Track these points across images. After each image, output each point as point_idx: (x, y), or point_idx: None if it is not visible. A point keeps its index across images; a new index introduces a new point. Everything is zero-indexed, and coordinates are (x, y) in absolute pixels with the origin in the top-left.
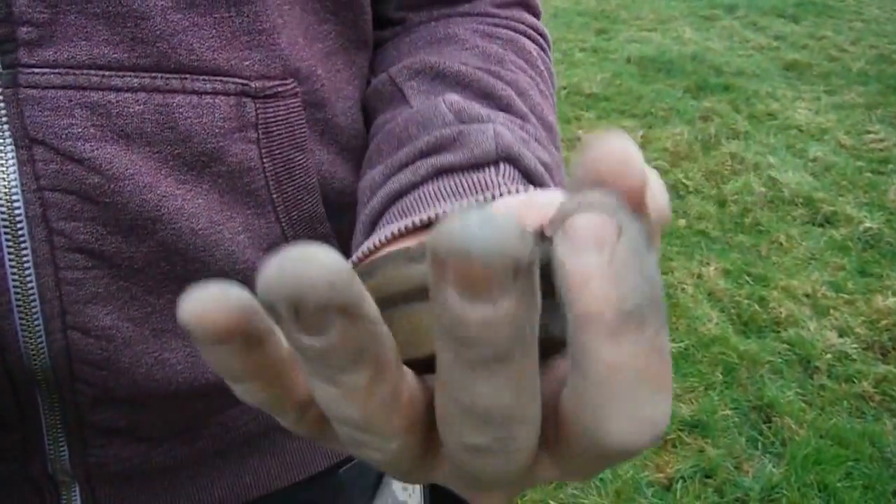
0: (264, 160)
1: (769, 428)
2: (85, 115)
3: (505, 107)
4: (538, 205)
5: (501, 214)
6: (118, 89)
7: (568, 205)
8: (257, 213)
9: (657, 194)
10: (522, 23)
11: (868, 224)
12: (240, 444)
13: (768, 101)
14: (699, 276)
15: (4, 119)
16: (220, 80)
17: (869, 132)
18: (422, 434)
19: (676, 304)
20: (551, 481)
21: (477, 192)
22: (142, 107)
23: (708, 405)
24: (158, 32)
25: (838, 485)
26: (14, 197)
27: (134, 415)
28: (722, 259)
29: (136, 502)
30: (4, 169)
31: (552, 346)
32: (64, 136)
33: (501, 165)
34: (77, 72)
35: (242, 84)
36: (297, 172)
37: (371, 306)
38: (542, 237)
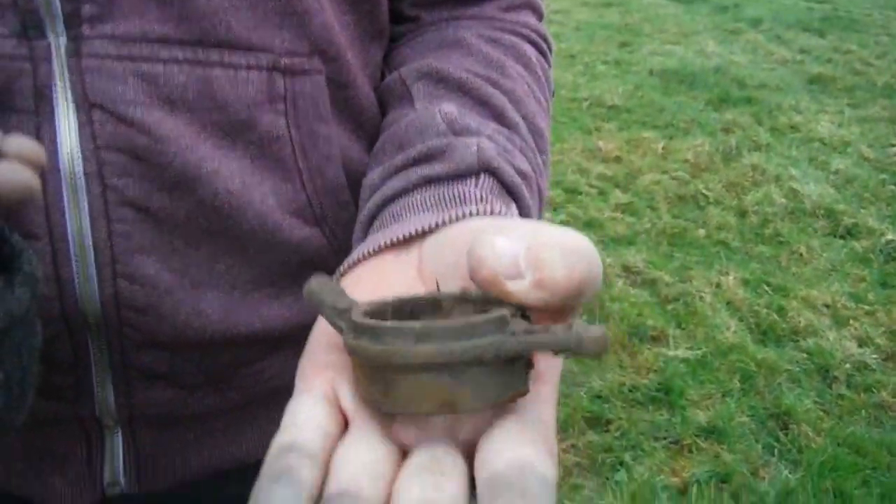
0: (291, 130)
1: (786, 435)
2: (136, 83)
3: (498, 116)
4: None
5: None
6: (165, 61)
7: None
8: (285, 178)
9: (550, 269)
10: (526, 27)
11: (890, 236)
12: (266, 396)
13: (791, 114)
14: (718, 286)
15: (68, 85)
16: (254, 56)
17: (893, 145)
18: None
19: (694, 312)
20: None
21: (456, 204)
22: (185, 77)
23: (724, 412)
24: (202, 11)
25: (855, 492)
26: (75, 155)
27: (173, 360)
28: (741, 269)
29: (172, 451)
30: (68, 130)
31: None
32: (118, 101)
33: (482, 177)
34: (131, 44)
35: (273, 60)
36: (321, 143)
37: None
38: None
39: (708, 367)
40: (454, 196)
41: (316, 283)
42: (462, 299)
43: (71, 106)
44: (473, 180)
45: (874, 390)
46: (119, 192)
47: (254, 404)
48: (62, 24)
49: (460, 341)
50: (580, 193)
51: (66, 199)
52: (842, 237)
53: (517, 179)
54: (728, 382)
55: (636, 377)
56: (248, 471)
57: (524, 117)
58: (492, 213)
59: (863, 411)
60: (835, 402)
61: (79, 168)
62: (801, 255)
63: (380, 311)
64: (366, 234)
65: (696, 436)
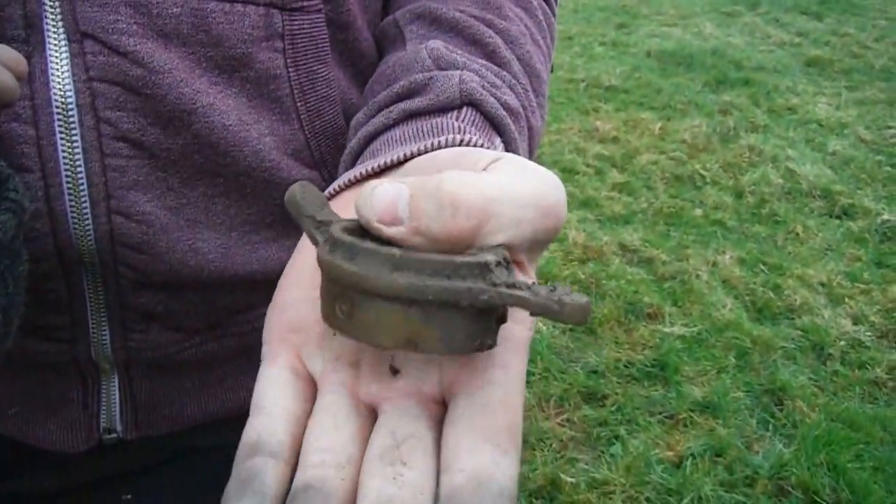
0: (289, 69)
1: (781, 411)
2: (129, 13)
3: (489, 54)
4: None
5: None
6: None
7: None
8: (282, 119)
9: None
10: None
11: (886, 216)
12: None
13: (788, 96)
14: (714, 264)
15: (59, 15)
16: None
17: (890, 127)
18: None
19: (691, 290)
20: None
21: (432, 135)
22: (178, 9)
23: (720, 388)
24: None
25: (848, 465)
26: (66, 86)
27: (169, 302)
28: (738, 248)
29: (169, 397)
30: (58, 60)
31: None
32: (110, 31)
33: (464, 109)
34: None
35: None
36: (320, 84)
37: None
38: (498, 265)
39: (703, 343)
40: (431, 128)
41: (299, 190)
42: None
43: (62, 35)
44: (455, 113)
45: (868, 367)
46: (113, 126)
47: (252, 352)
48: None
49: (437, 279)
50: (577, 173)
51: (57, 131)
52: (838, 217)
53: (501, 112)
54: (723, 359)
55: (632, 353)
56: (245, 419)
57: (518, 57)
58: (467, 143)
59: (857, 387)
60: (829, 379)
61: (71, 100)
62: (797, 234)
63: (360, 231)
64: None
65: (692, 411)
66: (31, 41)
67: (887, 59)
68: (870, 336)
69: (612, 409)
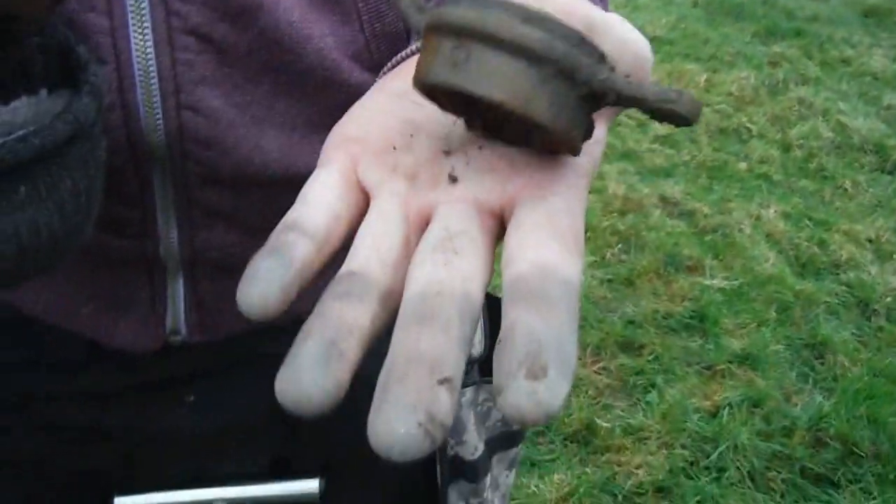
0: None
1: (821, 364)
2: None
3: None
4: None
5: None
6: None
7: None
8: (343, 20)
9: None
10: None
11: None
12: None
13: (843, 48)
14: (758, 218)
15: None
16: None
17: None
18: None
19: (733, 243)
20: None
21: None
22: None
23: (759, 340)
24: None
25: (890, 420)
26: None
27: (235, 199)
28: (783, 202)
29: (232, 302)
30: None
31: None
32: None
33: None
34: None
35: None
36: None
37: None
38: (601, 59)
39: (744, 297)
40: None
41: None
42: None
43: None
44: None
45: None
46: (182, 19)
47: None
48: None
49: (566, 44)
50: (618, 125)
51: (130, 23)
52: (889, 173)
53: None
54: (764, 312)
55: (670, 305)
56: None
57: None
58: None
59: None
60: (873, 335)
61: None
62: (845, 189)
63: None
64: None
65: (730, 362)
66: None
67: None
68: None
69: (649, 358)
